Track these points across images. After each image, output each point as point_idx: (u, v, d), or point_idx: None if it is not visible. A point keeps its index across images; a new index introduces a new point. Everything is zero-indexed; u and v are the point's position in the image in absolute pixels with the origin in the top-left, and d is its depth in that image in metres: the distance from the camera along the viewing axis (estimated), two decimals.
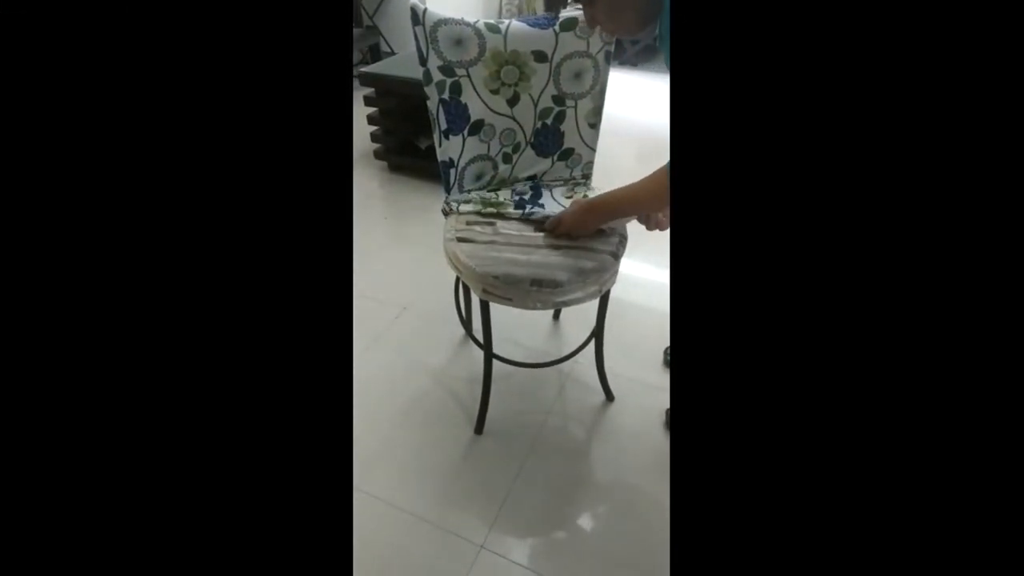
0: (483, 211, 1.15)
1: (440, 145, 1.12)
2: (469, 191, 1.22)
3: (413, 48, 1.09)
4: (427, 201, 2.23)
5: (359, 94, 2.35)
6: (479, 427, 1.29)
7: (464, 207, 1.16)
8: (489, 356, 1.20)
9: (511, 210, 1.15)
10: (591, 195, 1.16)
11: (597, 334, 1.28)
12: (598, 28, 0.97)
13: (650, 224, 1.09)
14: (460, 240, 1.08)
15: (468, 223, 1.12)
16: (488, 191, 1.23)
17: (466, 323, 1.45)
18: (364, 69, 2.23)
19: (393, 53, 3.40)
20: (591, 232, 1.07)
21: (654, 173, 0.94)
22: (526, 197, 1.21)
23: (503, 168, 1.23)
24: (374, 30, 3.51)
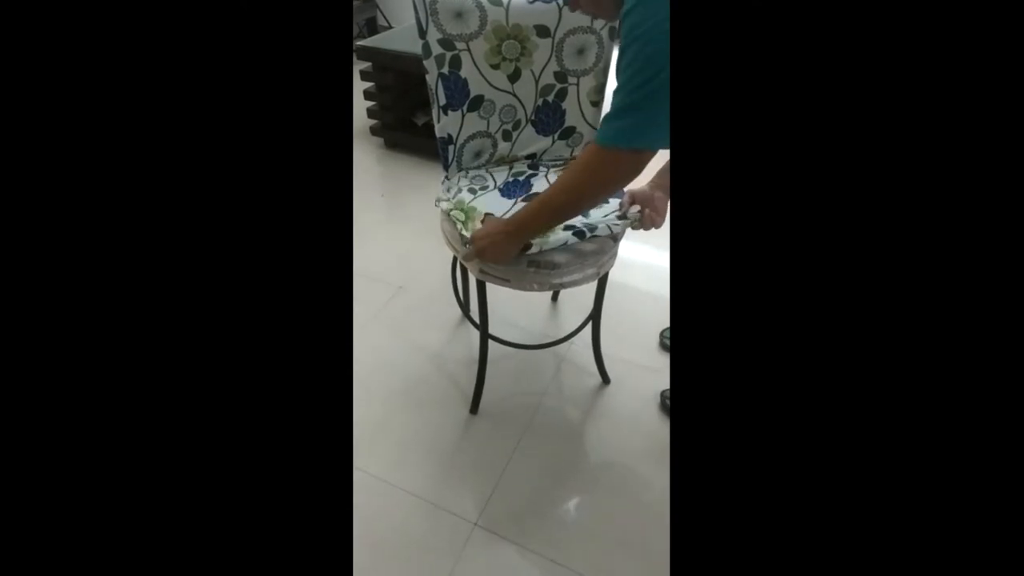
0: (452, 211, 1.06)
1: (439, 121, 1.10)
2: (467, 169, 1.20)
3: (411, 22, 1.06)
4: (424, 179, 2.20)
5: (355, 69, 2.31)
6: (474, 407, 1.29)
7: (444, 204, 1.09)
8: (485, 337, 1.20)
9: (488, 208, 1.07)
10: None
11: (594, 316, 1.27)
12: None
13: (645, 224, 1.05)
14: None
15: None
16: (487, 170, 1.21)
17: (463, 303, 1.44)
18: (361, 43, 2.19)
19: (390, 27, 3.33)
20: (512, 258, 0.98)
21: (560, 177, 0.90)
22: (520, 179, 1.18)
23: (503, 146, 1.21)
24: (371, 3, 3.43)
